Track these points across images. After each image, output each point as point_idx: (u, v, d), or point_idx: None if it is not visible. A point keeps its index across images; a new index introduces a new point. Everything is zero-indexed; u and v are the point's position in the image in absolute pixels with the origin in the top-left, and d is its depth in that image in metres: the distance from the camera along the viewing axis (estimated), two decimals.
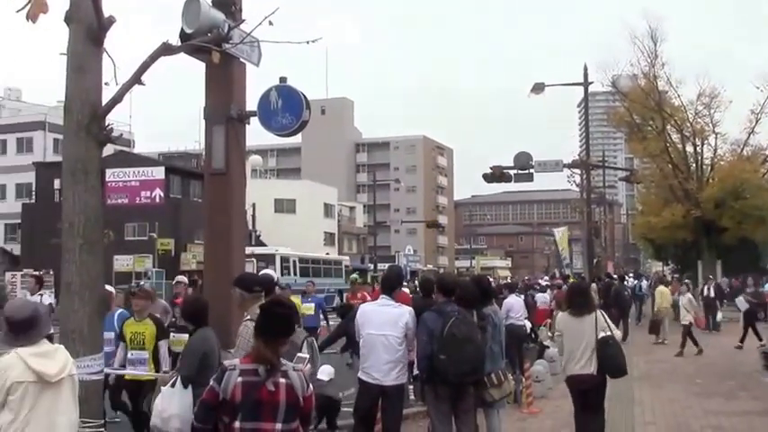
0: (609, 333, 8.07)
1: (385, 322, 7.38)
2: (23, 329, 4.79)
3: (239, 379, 4.24)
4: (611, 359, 7.91)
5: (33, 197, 59.24)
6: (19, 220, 58.43)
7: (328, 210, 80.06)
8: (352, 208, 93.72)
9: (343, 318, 12.45)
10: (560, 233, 48.29)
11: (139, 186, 53.04)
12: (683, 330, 19.97)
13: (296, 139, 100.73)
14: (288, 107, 8.16)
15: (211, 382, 4.36)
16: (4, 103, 67.40)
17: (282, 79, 8.39)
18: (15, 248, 58.00)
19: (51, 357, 4.89)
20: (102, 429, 6.01)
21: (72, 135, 5.94)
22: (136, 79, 5.91)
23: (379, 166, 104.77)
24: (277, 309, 4.61)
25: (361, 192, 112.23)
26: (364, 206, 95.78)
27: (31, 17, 4.84)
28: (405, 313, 7.51)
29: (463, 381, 7.21)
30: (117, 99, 5.93)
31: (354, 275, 27.06)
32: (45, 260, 43.17)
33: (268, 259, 39.06)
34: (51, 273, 41.15)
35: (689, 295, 21.31)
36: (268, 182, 76.95)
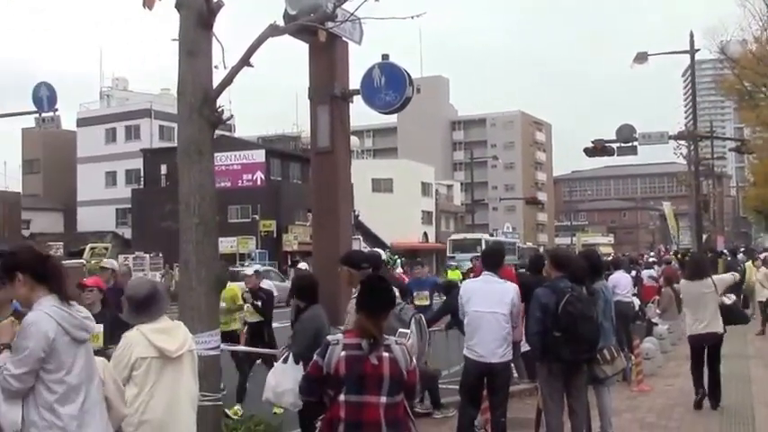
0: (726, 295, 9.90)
1: (491, 299, 7.30)
2: (144, 307, 4.96)
3: (343, 353, 4.28)
4: (732, 312, 9.98)
5: (142, 182, 61.25)
6: (129, 205, 60.54)
7: (426, 188, 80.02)
8: (449, 186, 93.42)
9: (447, 295, 12.43)
10: (669, 207, 47.10)
11: (241, 169, 54.30)
12: (760, 307, 19.12)
13: (392, 119, 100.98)
14: (391, 84, 8.17)
15: (315, 357, 4.43)
16: (112, 93, 69.66)
17: (385, 57, 8.40)
18: (126, 232, 60.11)
19: (172, 333, 5.05)
20: (221, 403, 6.17)
21: (185, 118, 6.09)
22: (245, 61, 6.00)
23: (476, 143, 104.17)
24: (378, 283, 4.66)
25: (458, 170, 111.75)
26: (461, 184, 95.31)
27: (148, 4, 4.97)
28: (510, 290, 7.42)
29: (578, 358, 7.09)
30: (227, 81, 6.04)
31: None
32: (154, 243, 44.72)
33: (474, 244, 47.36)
34: (160, 255, 42.69)
35: (764, 269, 20.29)
36: (365, 162, 77.48)
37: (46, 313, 3.93)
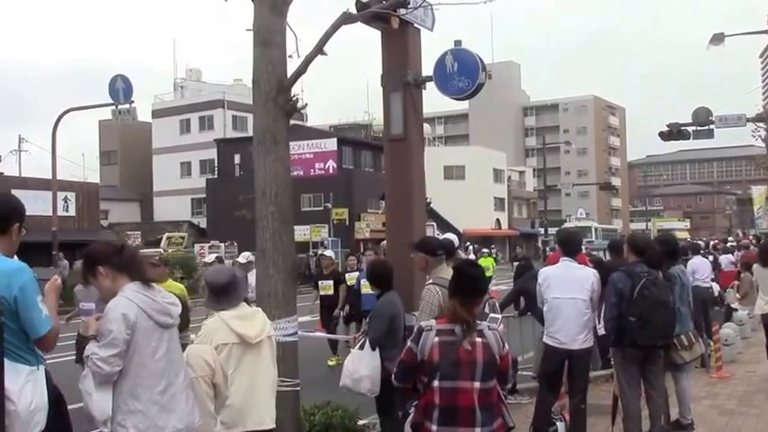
0: None
1: (571, 285, 7.24)
2: (224, 294, 5.06)
3: (436, 339, 4.29)
4: None
5: (216, 172, 62.23)
6: (204, 195, 61.58)
7: (498, 175, 79.47)
8: (521, 172, 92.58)
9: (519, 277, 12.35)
10: (759, 191, 45.77)
11: (313, 158, 54.68)
12: None
13: (463, 106, 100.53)
14: (463, 70, 8.12)
15: (408, 343, 4.45)
16: (186, 85, 70.78)
17: (457, 42, 8.36)
18: (201, 221, 61.17)
19: (251, 320, 5.15)
20: (299, 388, 6.27)
21: (260, 107, 6.18)
22: (318, 50, 6.06)
23: (549, 128, 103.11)
24: (470, 269, 4.65)
25: (530, 156, 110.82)
26: (534, 170, 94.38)
27: None
28: (590, 275, 7.37)
29: (653, 344, 6.99)
30: (301, 70, 6.10)
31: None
32: (229, 232, 45.48)
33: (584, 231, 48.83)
34: (235, 244, 43.36)
35: None
36: (436, 149, 77.16)
37: (126, 297, 4.04)
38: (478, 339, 4.30)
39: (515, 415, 8.76)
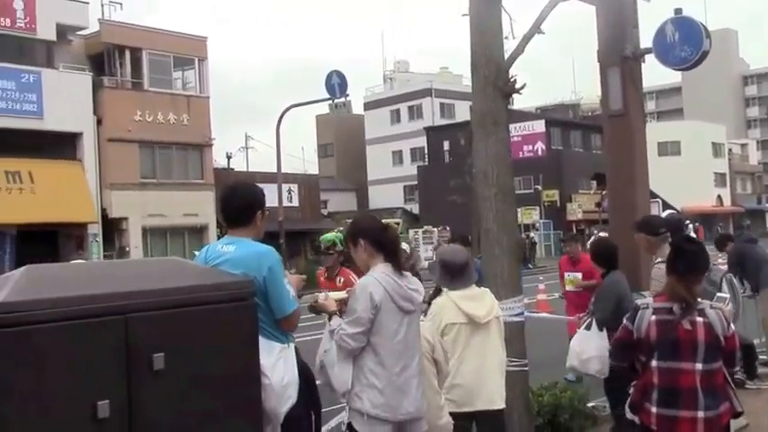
0: None
1: None
2: (459, 273, 5.16)
3: (653, 317, 4.17)
4: None
5: (426, 159, 63.20)
6: (415, 182, 62.74)
7: (717, 149, 75.23)
8: (743, 145, 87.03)
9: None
10: None
11: (521, 141, 54.19)
12: None
13: (675, 79, 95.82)
14: (686, 39, 7.79)
15: (624, 321, 4.34)
16: (394, 76, 72.30)
17: (677, 11, 8.03)
18: (414, 208, 62.40)
19: (480, 300, 5.22)
20: (527, 368, 6.28)
21: (479, 90, 6.23)
22: (536, 29, 6.04)
23: None
24: (688, 245, 4.48)
25: (752, 127, 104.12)
26: (757, 142, 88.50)
27: None
28: None
29: None
30: (519, 50, 6.09)
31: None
32: (441, 217, 46.09)
33: None
34: (447, 228, 43.89)
35: None
36: (649, 125, 73.63)
37: (375, 278, 4.23)
38: (699, 319, 4.12)
39: (755, 401, 8.36)
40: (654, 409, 4.15)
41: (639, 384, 4.29)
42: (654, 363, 4.15)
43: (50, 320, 2.93)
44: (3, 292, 2.95)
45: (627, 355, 4.36)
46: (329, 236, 8.81)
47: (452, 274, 5.17)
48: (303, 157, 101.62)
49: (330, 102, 27.49)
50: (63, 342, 2.96)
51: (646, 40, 8.16)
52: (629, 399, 4.39)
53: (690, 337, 4.09)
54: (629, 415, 4.41)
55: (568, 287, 10.93)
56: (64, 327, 2.96)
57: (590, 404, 7.62)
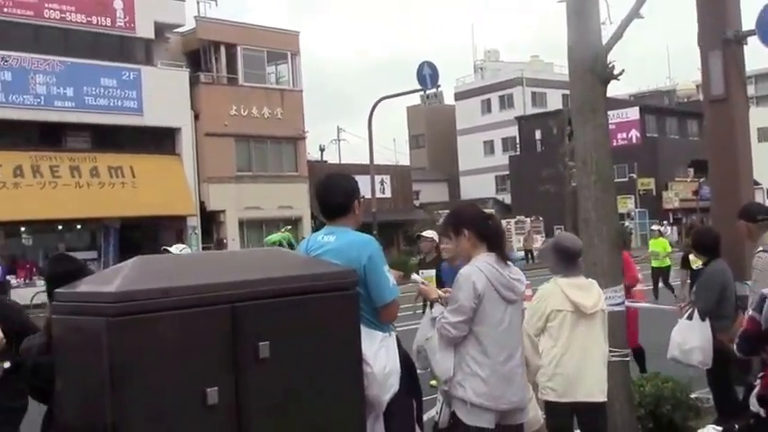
0: None
1: None
2: (572, 260, 5.11)
3: None
4: None
5: (517, 149, 62.60)
6: (507, 172, 62.20)
7: None
8: None
9: None
10: None
11: (615, 129, 53.01)
12: None
13: None
14: None
15: (750, 312, 4.23)
16: (485, 66, 71.74)
17: None
18: (506, 198, 61.88)
19: (587, 290, 5.15)
20: (629, 359, 6.18)
21: (577, 77, 6.15)
22: (635, 13, 5.93)
23: None
24: None
25: None
26: None
27: None
28: None
29: None
30: (618, 35, 5.99)
31: None
32: (533, 206, 45.60)
33: None
34: (540, 218, 43.43)
35: None
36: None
37: (477, 267, 4.23)
38: None
39: None
40: None
41: (766, 376, 4.16)
42: None
43: (162, 309, 3.02)
44: (115, 282, 3.05)
45: (754, 346, 4.25)
46: (275, 236, 8.74)
47: (567, 261, 5.12)
48: (395, 148, 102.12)
49: (421, 93, 27.44)
50: (173, 330, 3.05)
51: (748, 23, 7.91)
52: (755, 390, 4.26)
53: None
54: (754, 407, 4.28)
55: None
56: (174, 315, 3.05)
57: (693, 395, 7.44)
